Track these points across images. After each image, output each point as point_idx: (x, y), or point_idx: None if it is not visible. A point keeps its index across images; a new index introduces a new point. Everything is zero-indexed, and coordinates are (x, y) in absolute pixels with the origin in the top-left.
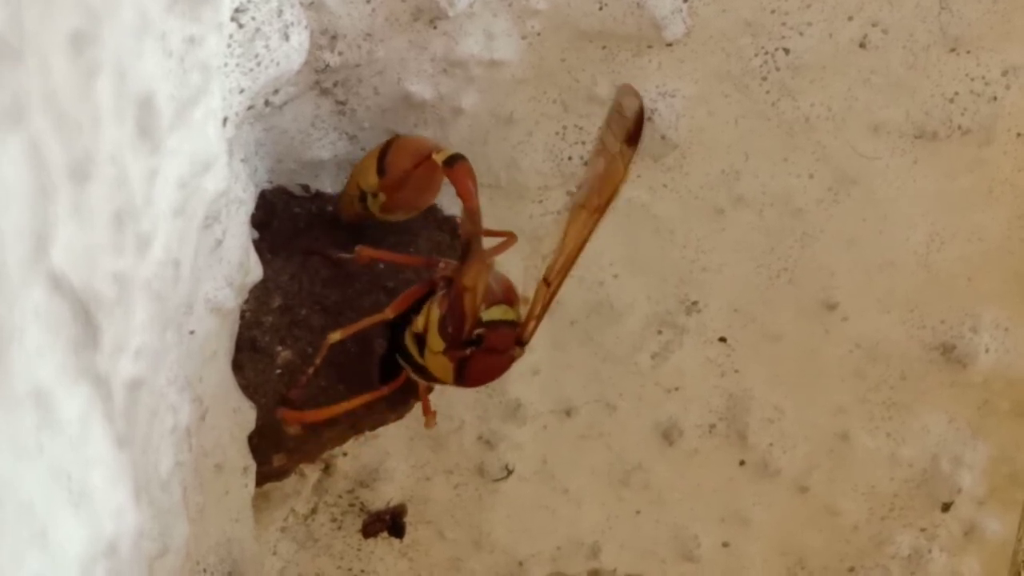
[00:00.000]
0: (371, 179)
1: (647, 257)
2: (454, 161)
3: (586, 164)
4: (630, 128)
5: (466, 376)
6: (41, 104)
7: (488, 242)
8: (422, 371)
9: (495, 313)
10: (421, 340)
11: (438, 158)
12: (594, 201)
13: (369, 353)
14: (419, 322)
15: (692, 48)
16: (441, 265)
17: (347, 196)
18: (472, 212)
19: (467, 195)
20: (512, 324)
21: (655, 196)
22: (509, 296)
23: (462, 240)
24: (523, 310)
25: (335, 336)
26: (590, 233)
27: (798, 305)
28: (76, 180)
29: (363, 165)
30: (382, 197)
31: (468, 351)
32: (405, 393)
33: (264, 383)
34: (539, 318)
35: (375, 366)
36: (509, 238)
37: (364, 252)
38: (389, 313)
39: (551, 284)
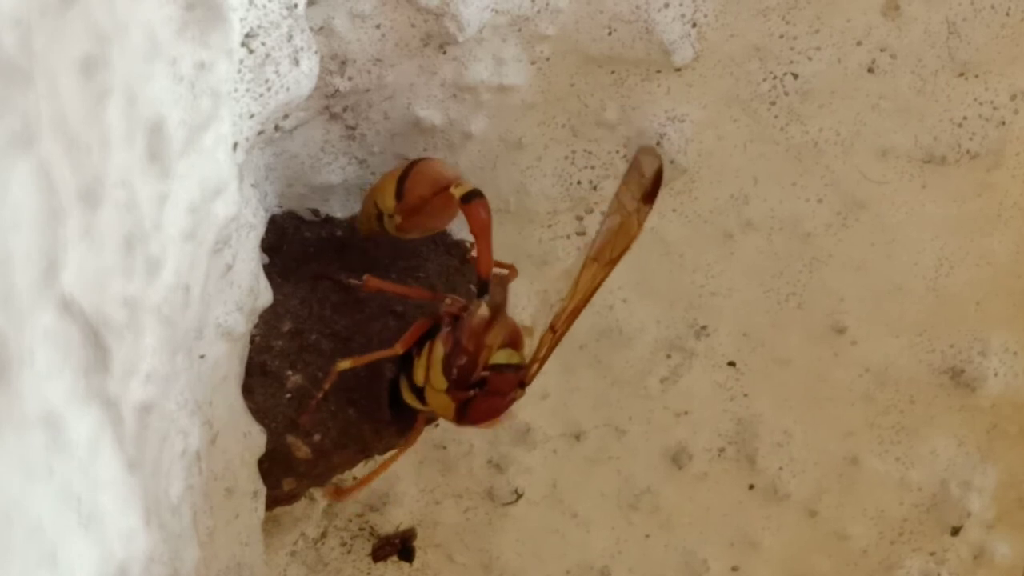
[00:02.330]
0: (389, 201)
1: (656, 281)
2: (471, 198)
3: (602, 216)
4: (647, 187)
5: (467, 416)
6: (51, 128)
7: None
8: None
9: (501, 357)
10: (418, 380)
11: (456, 192)
12: (606, 255)
13: (378, 378)
14: (419, 373)
15: (701, 73)
16: (448, 301)
17: (365, 213)
18: (485, 251)
19: (481, 233)
20: (517, 368)
21: (664, 220)
22: (515, 339)
23: (479, 280)
24: (528, 343)
25: (344, 364)
26: (599, 285)
27: (807, 329)
28: (86, 204)
29: (383, 185)
30: (398, 219)
31: (472, 392)
32: (413, 416)
33: (274, 407)
34: (542, 361)
35: (385, 391)
36: (511, 271)
37: (371, 282)
38: (399, 348)
39: (557, 331)
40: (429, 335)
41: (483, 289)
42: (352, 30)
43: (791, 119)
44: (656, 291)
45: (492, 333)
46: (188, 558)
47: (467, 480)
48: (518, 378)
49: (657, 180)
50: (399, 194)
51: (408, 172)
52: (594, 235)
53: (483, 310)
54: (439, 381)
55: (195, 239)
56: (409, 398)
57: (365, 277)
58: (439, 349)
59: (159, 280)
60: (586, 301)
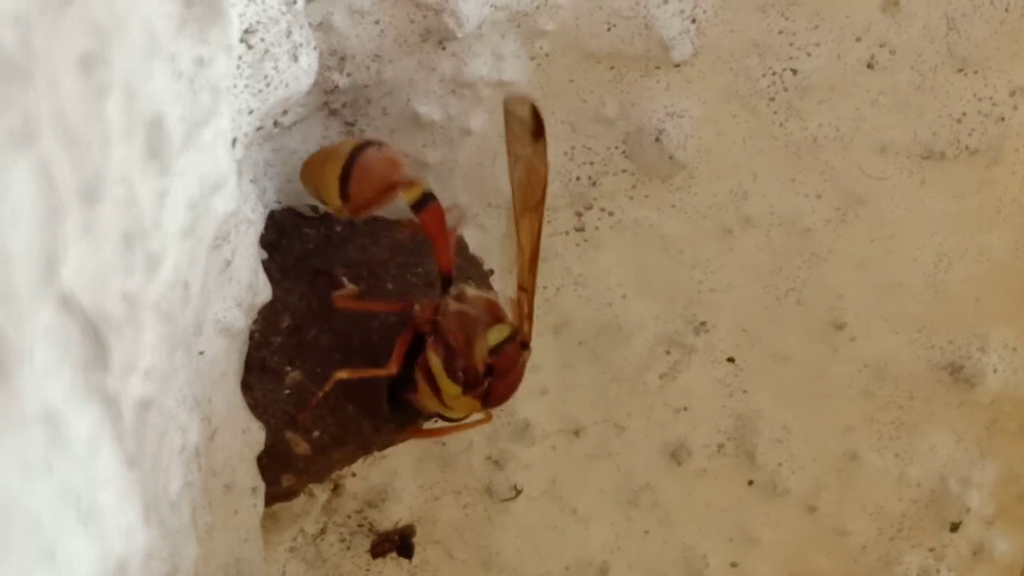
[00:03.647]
0: (334, 200)
1: (655, 277)
2: (423, 204)
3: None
4: (531, 127)
5: (493, 400)
6: (51, 125)
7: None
8: (449, 416)
9: (494, 337)
10: (433, 407)
11: (406, 198)
12: (530, 201)
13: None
14: (429, 401)
15: (700, 69)
16: (417, 308)
17: (310, 192)
18: (444, 251)
19: (438, 236)
20: (512, 338)
21: (663, 216)
22: (496, 312)
23: (441, 276)
24: (499, 290)
25: (342, 374)
26: (540, 231)
27: (806, 325)
28: (85, 201)
29: (324, 178)
30: (347, 212)
31: (486, 383)
32: (414, 414)
33: (273, 403)
34: (530, 316)
35: (384, 388)
36: (459, 222)
37: (339, 301)
38: (393, 368)
39: (527, 288)
40: (416, 345)
41: (447, 283)
42: (351, 26)
43: (790, 115)
44: (655, 287)
45: (474, 323)
46: (187, 554)
47: (466, 476)
48: (518, 344)
49: (536, 118)
50: (344, 195)
51: (349, 171)
52: (509, 193)
53: (454, 304)
54: (451, 389)
55: (194, 235)
56: (443, 418)
57: (334, 295)
58: (435, 361)
59: (158, 276)
60: (536, 250)
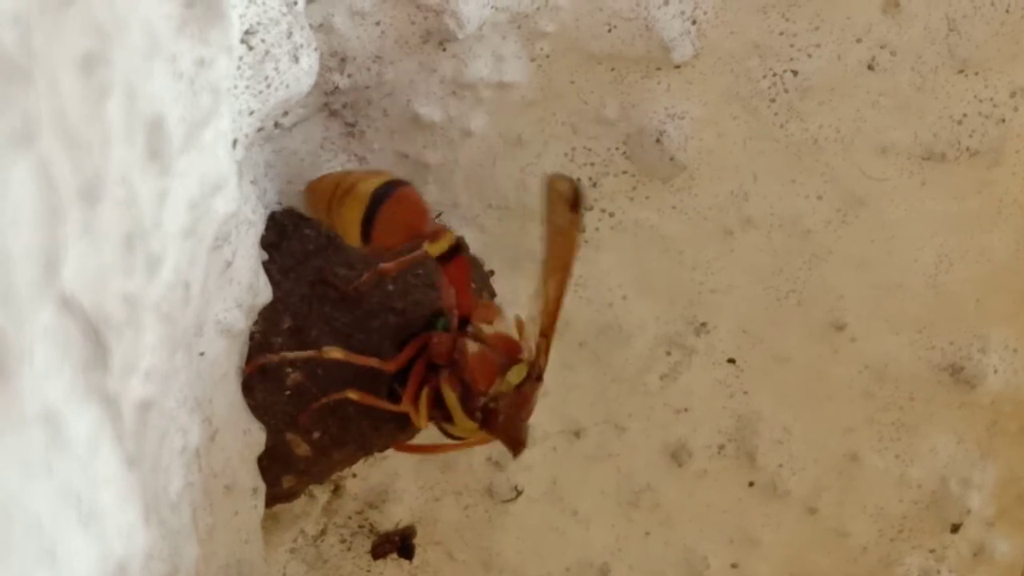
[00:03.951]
0: (353, 240)
1: (656, 278)
2: (451, 256)
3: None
4: (570, 200)
5: (507, 431)
6: (51, 125)
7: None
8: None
9: (514, 379)
10: (443, 412)
11: (431, 251)
12: (560, 262)
13: (378, 375)
14: (425, 421)
15: (701, 70)
16: (434, 341)
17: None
18: (465, 296)
19: (462, 286)
20: (528, 375)
21: (664, 217)
22: (512, 350)
23: (460, 317)
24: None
25: (333, 352)
26: (564, 287)
27: (807, 326)
28: (86, 201)
29: (342, 218)
30: (364, 250)
31: (502, 419)
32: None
33: (273, 404)
34: (547, 352)
35: (383, 388)
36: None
37: (330, 353)
38: (391, 367)
39: (547, 334)
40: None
41: (464, 323)
42: (352, 27)
43: (791, 116)
44: (656, 288)
45: (495, 365)
46: (187, 555)
47: (467, 477)
48: (534, 379)
49: (575, 193)
50: (365, 237)
51: (374, 215)
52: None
53: (473, 345)
54: (468, 424)
55: (195, 236)
56: (446, 434)
57: (324, 349)
58: (451, 396)
59: (159, 277)
60: (559, 303)
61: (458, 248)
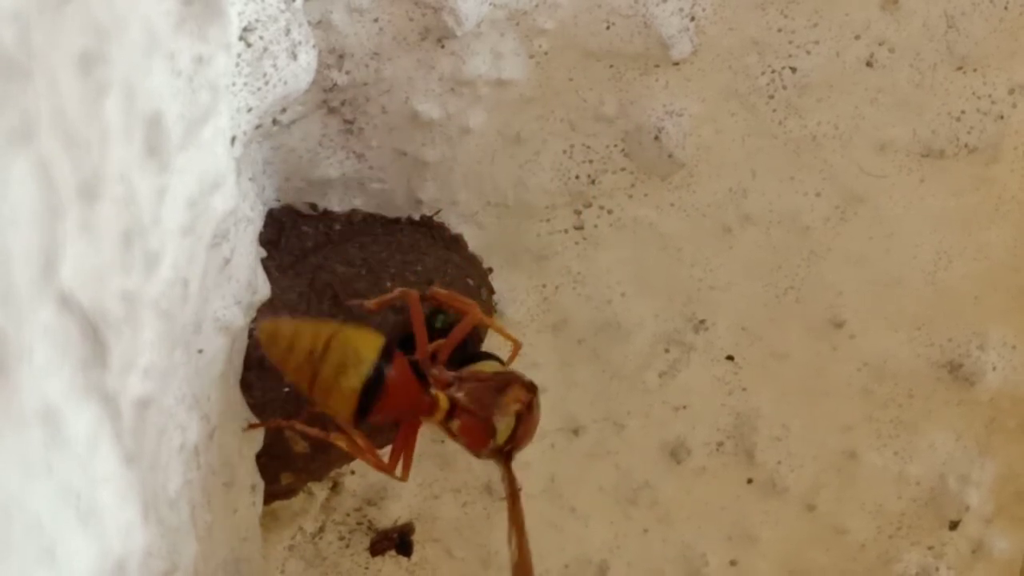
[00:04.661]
0: (345, 416)
1: (654, 276)
2: (452, 413)
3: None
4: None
5: (514, 449)
6: (50, 123)
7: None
8: None
9: (514, 409)
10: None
11: (433, 422)
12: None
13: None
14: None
15: (699, 67)
16: (435, 372)
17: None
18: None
19: (473, 440)
20: (527, 394)
21: (662, 215)
22: (508, 385)
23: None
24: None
25: (340, 441)
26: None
27: (805, 323)
28: (85, 199)
29: (335, 391)
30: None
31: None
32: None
33: (272, 402)
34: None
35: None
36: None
37: (337, 441)
38: (372, 306)
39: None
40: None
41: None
42: (350, 24)
43: (789, 113)
44: (654, 285)
45: (495, 406)
46: (186, 552)
47: (465, 475)
48: (531, 404)
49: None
50: (361, 412)
51: (373, 394)
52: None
53: (471, 385)
54: (474, 453)
55: (193, 233)
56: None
57: (332, 435)
58: (455, 432)
59: (157, 274)
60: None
61: (455, 407)
